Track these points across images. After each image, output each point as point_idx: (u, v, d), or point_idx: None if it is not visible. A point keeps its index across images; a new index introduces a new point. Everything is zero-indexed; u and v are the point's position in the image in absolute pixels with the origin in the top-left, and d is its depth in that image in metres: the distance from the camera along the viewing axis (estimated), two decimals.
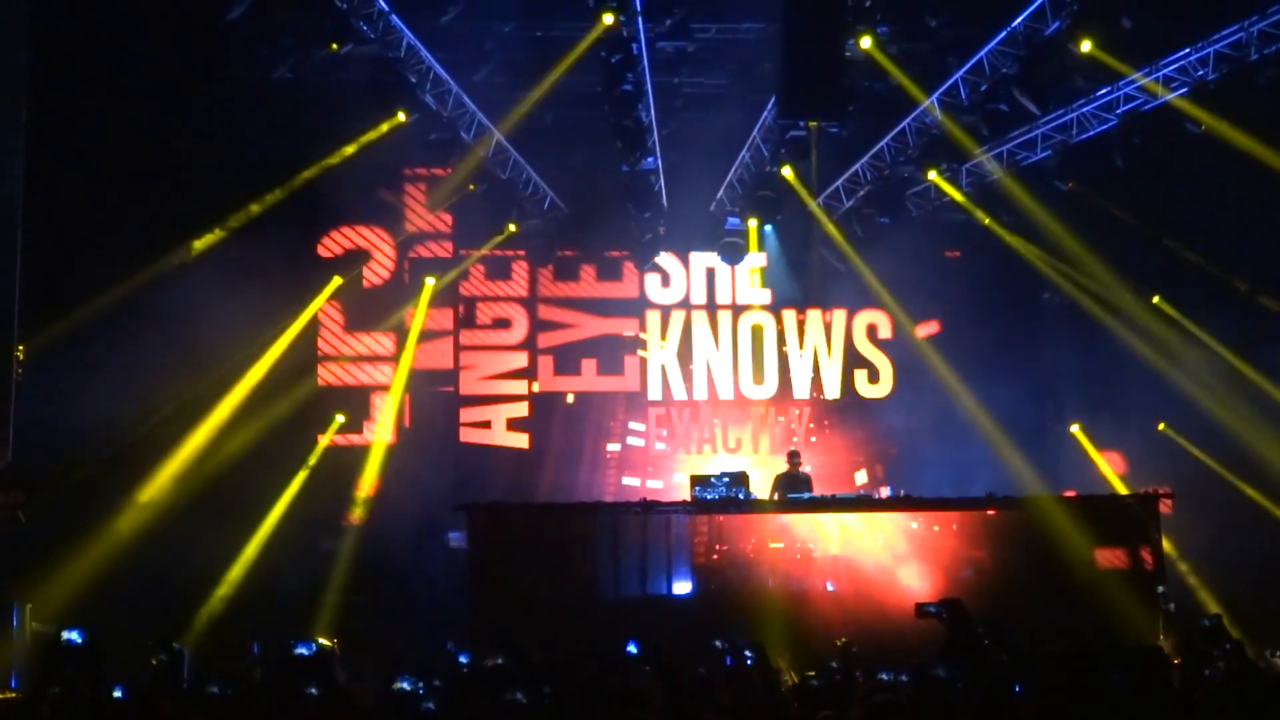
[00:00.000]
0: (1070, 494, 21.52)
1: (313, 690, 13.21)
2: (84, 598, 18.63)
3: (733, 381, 25.51)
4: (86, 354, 20.02)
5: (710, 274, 25.74)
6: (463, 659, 16.06)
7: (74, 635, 15.94)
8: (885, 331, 25.74)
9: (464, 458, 24.49)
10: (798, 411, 25.52)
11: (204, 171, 21.48)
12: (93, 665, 15.81)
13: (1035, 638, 15.02)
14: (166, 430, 21.66)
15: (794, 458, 21.73)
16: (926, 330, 25.26)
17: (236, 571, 21.54)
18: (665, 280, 25.66)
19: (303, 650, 16.56)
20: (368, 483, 23.45)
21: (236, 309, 21.36)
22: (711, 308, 25.71)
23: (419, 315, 24.33)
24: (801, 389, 25.56)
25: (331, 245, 24.60)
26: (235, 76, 21.35)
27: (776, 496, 20.94)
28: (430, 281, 24.54)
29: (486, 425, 24.97)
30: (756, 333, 25.69)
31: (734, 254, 25.61)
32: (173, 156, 21.21)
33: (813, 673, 13.72)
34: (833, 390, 25.59)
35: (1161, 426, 24.46)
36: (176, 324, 20.93)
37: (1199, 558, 22.84)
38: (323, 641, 17.58)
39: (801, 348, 25.57)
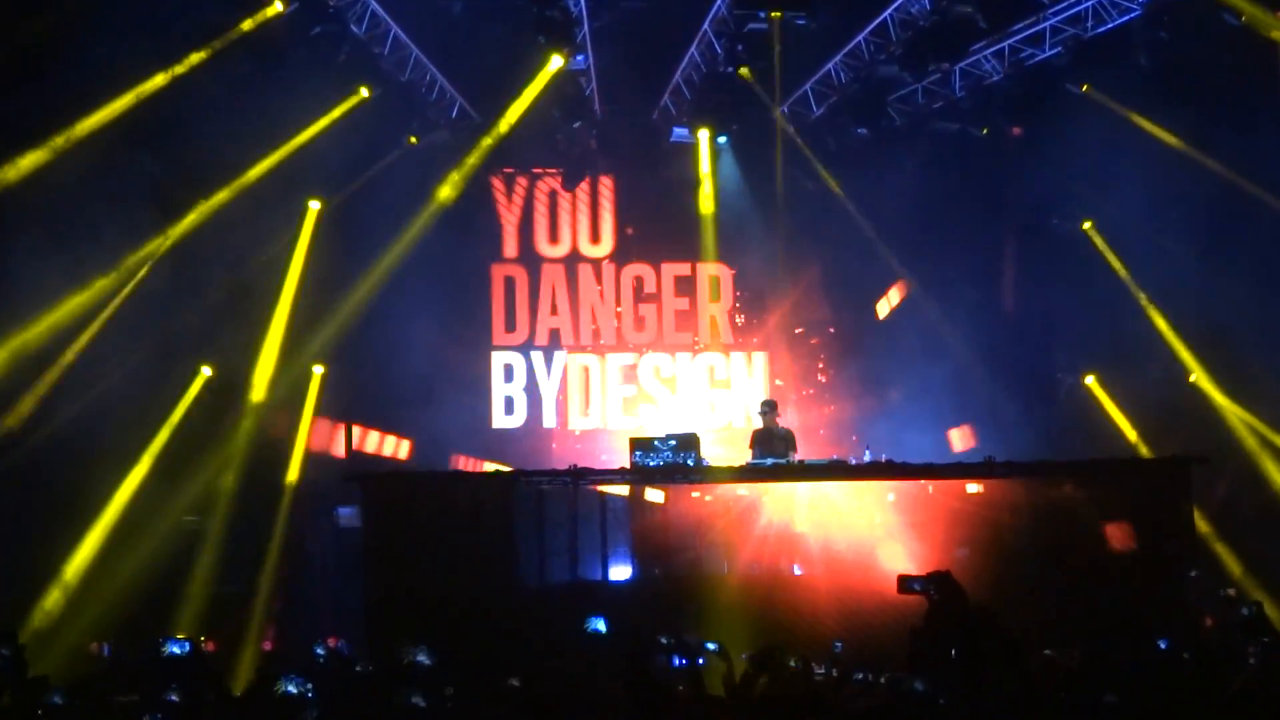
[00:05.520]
0: (1083, 459, 21.15)
1: (174, 698, 13.14)
2: None
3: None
4: None
5: None
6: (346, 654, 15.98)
7: None
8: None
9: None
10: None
11: None
12: None
13: (1037, 631, 15.11)
14: None
15: (768, 409, 21.23)
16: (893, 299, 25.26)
17: (80, 559, 21.18)
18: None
19: (175, 649, 16.39)
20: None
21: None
22: None
23: (301, 244, 23.90)
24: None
25: None
26: None
27: (752, 455, 20.54)
28: (315, 205, 24.07)
29: None
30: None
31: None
32: None
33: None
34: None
35: (1193, 378, 24.36)
36: None
37: (1236, 535, 22.73)
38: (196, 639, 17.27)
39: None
